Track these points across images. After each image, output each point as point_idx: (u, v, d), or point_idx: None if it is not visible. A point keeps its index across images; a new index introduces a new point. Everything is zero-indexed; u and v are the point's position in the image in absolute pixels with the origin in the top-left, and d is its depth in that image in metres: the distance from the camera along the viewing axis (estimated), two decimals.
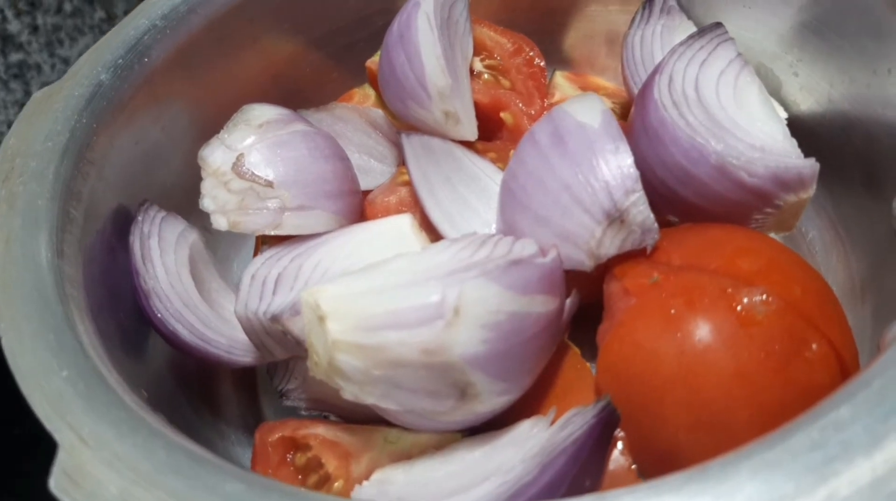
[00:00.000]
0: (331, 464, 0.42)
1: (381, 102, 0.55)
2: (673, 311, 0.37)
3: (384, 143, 0.55)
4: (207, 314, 0.45)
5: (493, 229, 0.46)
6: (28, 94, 0.78)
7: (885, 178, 0.46)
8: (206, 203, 0.46)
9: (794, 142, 0.42)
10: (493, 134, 0.54)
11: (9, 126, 0.62)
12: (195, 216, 0.50)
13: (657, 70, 0.46)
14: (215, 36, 0.52)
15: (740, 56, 0.46)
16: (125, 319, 0.43)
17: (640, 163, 0.44)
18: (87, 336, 0.36)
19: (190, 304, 0.45)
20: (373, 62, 0.55)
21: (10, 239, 0.39)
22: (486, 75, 0.54)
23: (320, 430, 0.43)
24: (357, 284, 0.36)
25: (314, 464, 0.42)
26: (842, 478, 0.24)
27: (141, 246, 0.45)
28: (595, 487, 0.35)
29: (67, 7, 0.86)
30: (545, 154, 0.42)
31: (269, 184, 0.46)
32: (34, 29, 0.85)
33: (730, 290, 0.37)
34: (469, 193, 0.48)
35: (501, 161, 0.50)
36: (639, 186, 0.40)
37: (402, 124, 0.52)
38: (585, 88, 0.59)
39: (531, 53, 0.55)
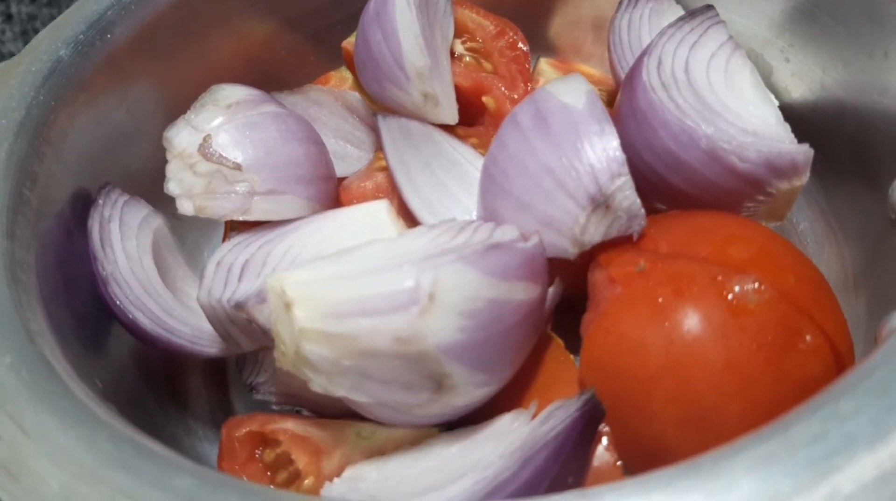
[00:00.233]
0: (301, 460, 0.40)
1: (359, 84, 0.53)
2: (660, 300, 0.36)
3: (361, 127, 0.53)
4: (170, 302, 0.43)
5: (473, 216, 0.44)
6: None
7: (880, 166, 0.44)
8: (172, 187, 0.43)
9: (787, 127, 0.40)
10: (474, 119, 0.52)
11: None
12: (162, 204, 0.47)
13: (646, 52, 0.44)
14: (184, 14, 0.50)
15: (732, 39, 0.44)
16: (82, 307, 0.41)
17: (626, 148, 0.42)
18: (35, 323, 0.34)
19: (152, 291, 0.42)
20: (349, 43, 0.53)
21: None
22: (467, 58, 0.52)
23: (290, 425, 0.40)
24: (326, 269, 0.34)
25: (284, 460, 0.40)
26: (844, 474, 0.22)
27: (100, 230, 0.43)
28: (578, 484, 0.33)
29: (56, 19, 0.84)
30: (527, 137, 0.41)
31: (238, 167, 0.43)
32: (8, 17, 0.83)
33: (720, 278, 0.35)
34: (449, 179, 0.46)
35: (483, 147, 0.48)
36: (625, 169, 0.38)
37: (379, 108, 0.50)
38: None
39: (514, 37, 0.53)
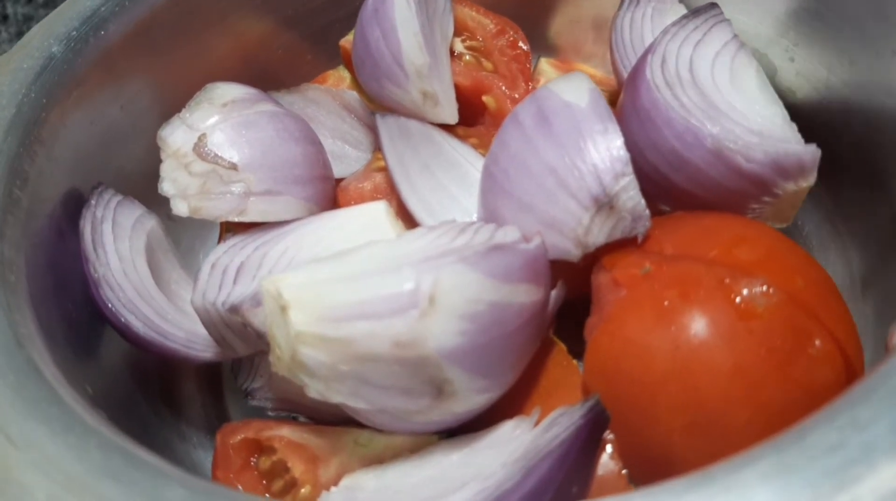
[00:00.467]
0: (297, 469, 0.39)
1: (357, 84, 0.52)
2: (666, 303, 0.35)
3: (359, 127, 0.52)
4: (164, 305, 0.42)
5: (473, 218, 0.43)
6: None
7: (887, 168, 0.43)
8: (166, 187, 0.42)
9: (794, 127, 0.40)
10: (474, 119, 0.51)
11: None
12: (157, 205, 0.47)
13: (649, 50, 0.43)
14: (179, 11, 0.49)
15: (737, 38, 0.44)
16: (74, 310, 0.40)
17: (630, 147, 0.42)
18: (24, 327, 0.33)
19: (145, 294, 0.41)
20: (347, 41, 0.52)
21: None
22: (467, 57, 0.51)
23: (286, 432, 0.39)
24: (323, 271, 0.33)
25: (279, 468, 0.39)
26: (864, 484, 0.21)
27: (92, 231, 0.42)
28: (583, 494, 0.32)
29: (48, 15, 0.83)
30: (529, 136, 0.40)
31: (234, 166, 0.42)
32: (3, 18, 0.82)
33: (727, 281, 0.34)
34: (449, 180, 0.45)
35: (483, 147, 0.47)
36: (629, 169, 0.37)
37: (378, 107, 0.49)
38: None
39: (515, 36, 0.52)
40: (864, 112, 0.45)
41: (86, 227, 0.42)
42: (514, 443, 0.34)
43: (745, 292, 0.34)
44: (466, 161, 0.46)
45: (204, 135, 0.43)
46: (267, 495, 0.38)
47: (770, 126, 0.40)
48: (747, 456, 0.23)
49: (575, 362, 0.39)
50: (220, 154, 0.42)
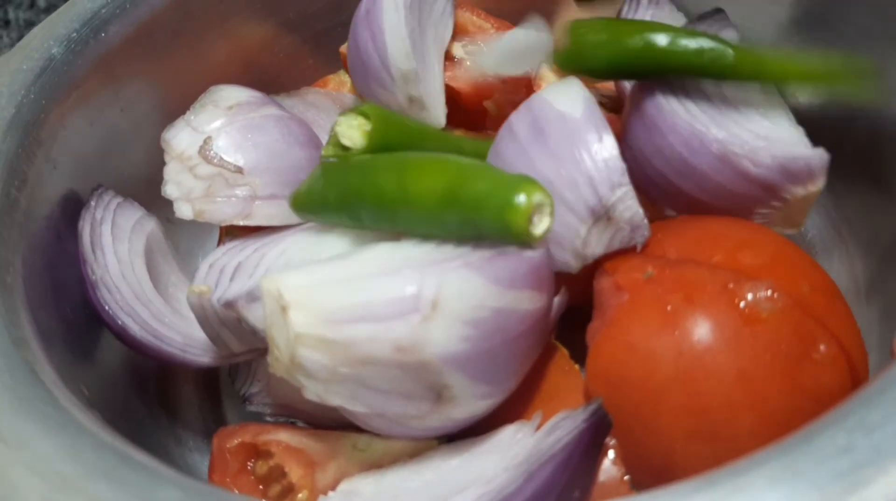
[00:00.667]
0: (294, 473, 0.38)
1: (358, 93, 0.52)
2: (669, 308, 0.34)
3: None
4: (162, 308, 0.42)
5: None
6: None
7: (891, 173, 0.43)
8: (170, 189, 0.42)
9: (801, 130, 0.40)
10: (476, 124, 0.51)
11: None
12: (156, 209, 0.46)
13: None
14: (180, 14, 0.49)
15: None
16: (70, 312, 0.39)
17: (636, 154, 0.42)
18: (19, 328, 0.32)
19: (143, 297, 0.41)
20: (346, 47, 0.52)
21: None
22: (468, 61, 0.51)
23: (283, 436, 0.39)
24: (325, 272, 0.33)
25: (277, 473, 0.39)
26: (874, 488, 0.21)
27: (91, 233, 0.41)
28: (585, 499, 0.32)
29: (41, 2, 0.83)
30: (524, 148, 0.39)
31: (239, 170, 0.42)
32: (6, 23, 0.82)
33: (732, 285, 0.34)
34: None
35: None
36: (626, 179, 0.37)
37: None
38: None
39: None
40: (868, 116, 0.44)
41: (84, 228, 0.41)
42: (516, 448, 0.34)
43: (749, 296, 0.34)
44: None
45: (209, 138, 0.43)
46: (263, 499, 0.38)
47: (777, 130, 0.40)
48: (754, 459, 0.23)
49: (577, 366, 0.39)
50: (225, 157, 0.42)
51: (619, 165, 0.37)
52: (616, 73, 0.41)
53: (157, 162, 0.43)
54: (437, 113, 0.46)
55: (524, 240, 0.33)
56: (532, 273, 0.34)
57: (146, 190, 0.46)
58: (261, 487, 0.39)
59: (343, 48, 0.52)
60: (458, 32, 0.52)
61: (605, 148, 0.37)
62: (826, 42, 0.47)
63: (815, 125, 0.46)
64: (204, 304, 0.38)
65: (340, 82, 0.54)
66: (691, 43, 0.39)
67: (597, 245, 0.38)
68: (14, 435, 0.27)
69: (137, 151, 0.48)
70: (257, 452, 0.40)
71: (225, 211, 0.42)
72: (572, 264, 0.38)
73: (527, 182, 0.33)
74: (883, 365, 0.34)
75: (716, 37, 0.40)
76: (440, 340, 0.31)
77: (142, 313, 0.40)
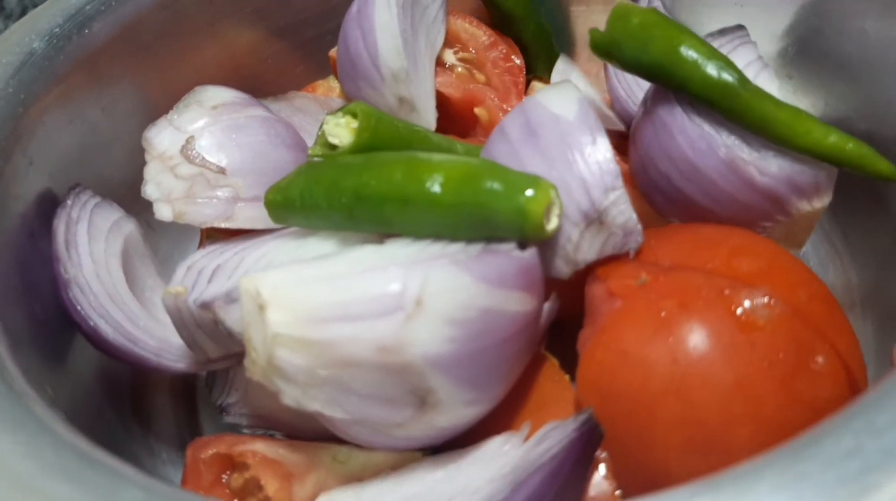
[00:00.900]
0: (271, 486, 0.36)
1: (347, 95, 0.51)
2: (664, 314, 0.33)
3: None
4: (137, 311, 0.40)
5: None
6: None
7: (887, 186, 0.42)
8: (150, 190, 0.41)
9: None
10: (466, 130, 0.50)
11: None
12: (136, 213, 0.45)
13: None
14: (168, 14, 0.48)
15: (761, 59, 0.44)
16: (41, 312, 0.38)
17: (642, 156, 0.41)
18: None
19: (117, 299, 0.39)
20: (336, 51, 0.51)
21: None
22: (459, 69, 0.50)
23: (260, 447, 0.37)
24: (306, 271, 0.32)
25: (252, 486, 0.37)
26: (883, 493, 0.20)
27: (66, 231, 0.40)
28: None
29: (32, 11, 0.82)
30: (516, 149, 0.38)
31: (222, 170, 0.41)
32: None
33: (728, 291, 0.33)
34: None
35: None
36: (619, 182, 0.36)
37: None
38: None
39: (508, 49, 0.52)
40: (864, 127, 0.44)
41: (59, 226, 0.40)
42: (503, 459, 0.32)
43: (746, 303, 0.33)
44: None
45: (192, 137, 0.42)
46: None
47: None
48: (758, 463, 0.21)
49: (567, 377, 0.37)
50: (207, 157, 0.41)
51: (612, 167, 0.36)
52: (637, 70, 0.40)
53: (137, 164, 0.42)
54: (428, 116, 0.45)
55: (538, 235, 0.34)
56: (522, 274, 0.33)
57: (126, 193, 0.45)
58: (235, 500, 0.37)
59: (332, 52, 0.52)
60: (450, 40, 0.51)
61: (598, 150, 0.36)
62: (819, 54, 0.46)
63: None
64: (180, 305, 0.36)
65: (329, 88, 0.53)
66: (713, 71, 0.38)
67: (589, 250, 0.36)
68: None
69: (118, 152, 0.47)
70: (233, 463, 0.38)
71: (206, 213, 0.40)
72: (563, 269, 0.37)
73: (542, 180, 0.34)
74: (880, 377, 0.33)
75: (741, 77, 0.38)
76: (424, 340, 0.30)
77: (115, 314, 0.39)
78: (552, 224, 0.34)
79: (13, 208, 0.39)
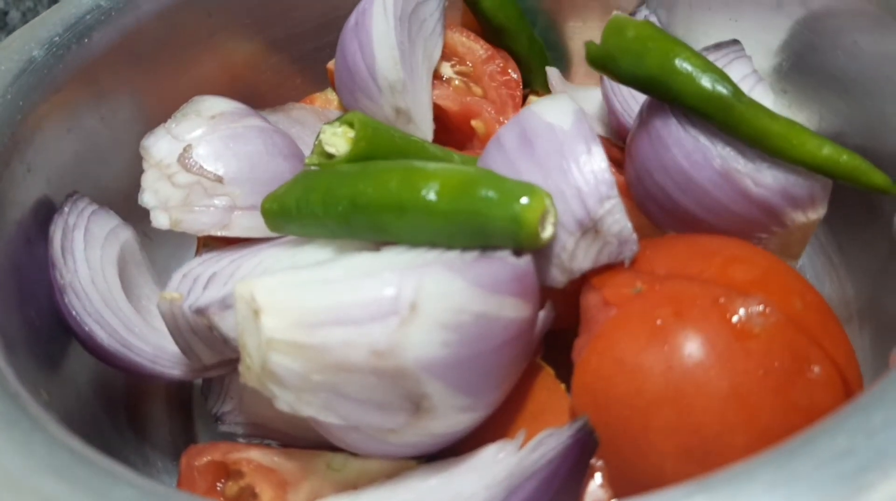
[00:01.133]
0: (266, 494, 0.36)
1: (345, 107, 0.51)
2: (659, 322, 0.33)
3: None
4: (133, 318, 0.40)
5: None
6: None
7: (882, 198, 0.43)
8: (147, 198, 0.41)
9: None
10: (463, 143, 0.50)
11: None
12: (133, 223, 0.45)
13: None
14: (167, 25, 0.49)
15: (756, 73, 0.44)
16: (36, 318, 0.38)
17: (638, 168, 0.41)
18: None
19: (113, 305, 0.39)
20: (334, 63, 0.52)
21: None
22: (456, 81, 0.51)
23: (254, 454, 0.37)
24: (301, 276, 0.32)
25: (247, 494, 0.37)
26: (876, 492, 0.20)
27: (62, 237, 0.40)
28: None
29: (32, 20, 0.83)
30: (511, 159, 0.39)
31: (219, 179, 0.41)
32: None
33: (723, 300, 0.33)
34: None
35: None
36: (614, 191, 0.36)
37: None
38: None
39: (504, 63, 0.52)
40: (858, 143, 0.44)
41: (56, 232, 0.40)
42: (498, 466, 0.32)
43: (741, 311, 0.33)
44: None
45: (189, 146, 0.42)
46: None
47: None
48: (752, 463, 0.21)
49: (562, 386, 0.37)
50: (205, 166, 0.41)
51: (607, 177, 0.36)
52: (632, 83, 0.40)
53: (135, 174, 0.42)
54: (425, 127, 0.46)
55: (533, 243, 0.34)
56: (516, 280, 0.33)
57: (123, 202, 0.45)
58: None
59: (330, 64, 0.52)
60: (447, 53, 0.52)
61: (593, 160, 0.37)
62: (813, 69, 0.46)
63: None
64: (175, 311, 0.36)
65: (327, 100, 0.53)
66: (707, 84, 0.39)
67: (584, 259, 0.37)
68: None
69: (116, 161, 0.47)
70: (227, 471, 0.38)
71: (202, 221, 0.41)
72: (559, 277, 0.37)
73: (537, 188, 0.34)
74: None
75: (736, 89, 0.39)
76: (419, 344, 0.30)
77: (111, 320, 0.39)
78: (547, 232, 0.35)
79: (10, 215, 0.39)
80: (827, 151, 0.38)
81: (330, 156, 0.39)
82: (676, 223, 0.41)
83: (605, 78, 0.51)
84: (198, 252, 0.46)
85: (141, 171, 0.42)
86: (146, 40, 0.48)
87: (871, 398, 0.23)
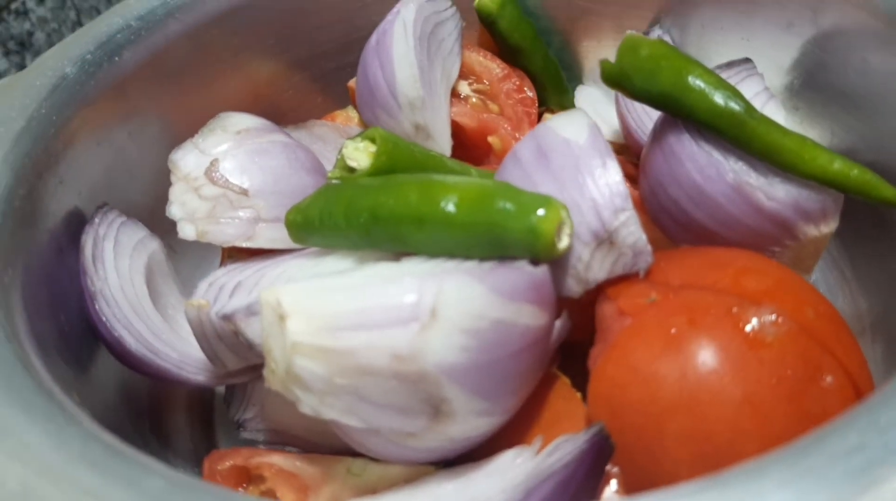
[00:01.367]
0: (287, 498, 0.37)
1: (365, 124, 0.52)
2: (673, 330, 0.34)
3: None
4: (159, 325, 0.41)
5: None
6: None
7: (894, 210, 0.43)
8: (174, 210, 0.42)
9: None
10: (480, 159, 0.51)
11: None
12: (159, 236, 0.46)
13: None
14: (194, 44, 0.50)
15: (768, 90, 0.45)
16: (67, 324, 0.39)
17: (652, 183, 0.42)
18: (12, 325, 0.32)
19: (140, 312, 0.41)
20: (355, 82, 0.53)
21: None
22: (473, 99, 0.52)
23: (276, 459, 0.38)
24: (325, 282, 0.33)
25: (269, 498, 0.38)
26: (887, 487, 0.20)
27: (93, 246, 0.41)
28: None
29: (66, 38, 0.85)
30: (528, 172, 0.40)
31: (244, 192, 0.42)
32: (21, 69, 0.84)
33: (736, 309, 0.34)
34: None
35: None
36: (629, 204, 0.37)
37: None
38: None
39: (521, 81, 0.53)
40: (870, 159, 0.45)
41: (87, 242, 0.41)
42: (515, 471, 0.33)
43: (754, 320, 0.33)
44: None
45: (216, 160, 0.43)
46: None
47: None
48: (764, 459, 0.22)
49: (578, 394, 0.38)
50: (230, 179, 0.43)
51: (622, 189, 0.37)
52: (646, 99, 0.42)
53: (161, 189, 0.43)
54: (443, 143, 0.47)
55: (549, 254, 0.34)
56: (533, 288, 0.34)
57: (150, 216, 0.47)
58: None
59: (351, 83, 0.53)
60: (465, 72, 0.53)
61: (608, 173, 0.37)
62: (824, 85, 0.47)
63: None
64: (202, 317, 0.37)
65: (348, 117, 0.55)
66: (720, 100, 0.39)
67: (599, 270, 0.37)
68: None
69: (143, 175, 0.49)
70: (249, 476, 0.39)
71: (227, 232, 0.42)
72: (574, 288, 0.38)
73: (553, 200, 0.35)
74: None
75: (748, 106, 0.39)
76: (439, 349, 0.31)
77: (138, 326, 0.40)
78: (563, 243, 0.35)
79: (43, 225, 0.40)
80: (838, 165, 0.39)
81: (352, 170, 0.41)
82: (690, 237, 0.42)
83: (620, 95, 0.52)
84: (222, 263, 0.47)
85: (167, 185, 0.43)
86: (174, 59, 0.49)
87: (883, 397, 0.23)
